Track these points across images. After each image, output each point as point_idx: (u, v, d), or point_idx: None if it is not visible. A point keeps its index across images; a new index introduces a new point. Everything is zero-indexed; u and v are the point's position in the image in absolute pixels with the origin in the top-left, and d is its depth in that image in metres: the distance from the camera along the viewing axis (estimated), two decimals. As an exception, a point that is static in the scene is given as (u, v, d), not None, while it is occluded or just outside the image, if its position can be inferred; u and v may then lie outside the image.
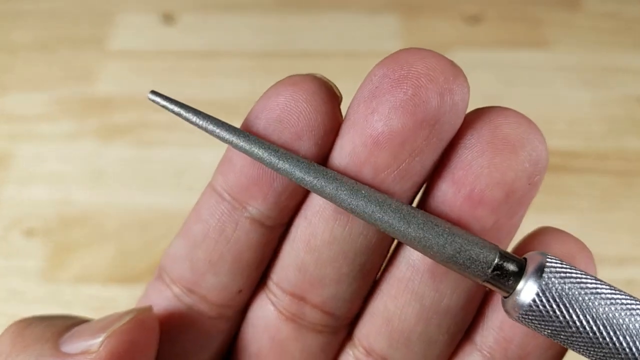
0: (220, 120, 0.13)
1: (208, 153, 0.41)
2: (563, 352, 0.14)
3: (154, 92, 0.13)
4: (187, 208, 0.41)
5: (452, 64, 0.12)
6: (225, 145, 0.13)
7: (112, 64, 0.47)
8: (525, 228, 0.41)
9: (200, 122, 0.13)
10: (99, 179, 0.40)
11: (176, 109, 0.13)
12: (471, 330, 0.15)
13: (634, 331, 0.10)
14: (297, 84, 0.12)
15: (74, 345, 0.13)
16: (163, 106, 0.13)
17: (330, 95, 0.13)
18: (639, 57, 0.48)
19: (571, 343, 0.11)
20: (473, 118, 0.13)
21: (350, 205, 0.11)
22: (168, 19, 0.50)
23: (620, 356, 0.10)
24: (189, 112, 0.13)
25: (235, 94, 0.45)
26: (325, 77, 0.13)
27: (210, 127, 0.12)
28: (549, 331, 0.10)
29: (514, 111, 0.13)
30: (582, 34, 0.50)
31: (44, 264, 0.35)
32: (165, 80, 0.46)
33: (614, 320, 0.10)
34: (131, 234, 0.37)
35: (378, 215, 0.11)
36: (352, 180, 0.12)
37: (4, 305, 0.34)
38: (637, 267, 0.36)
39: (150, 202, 0.38)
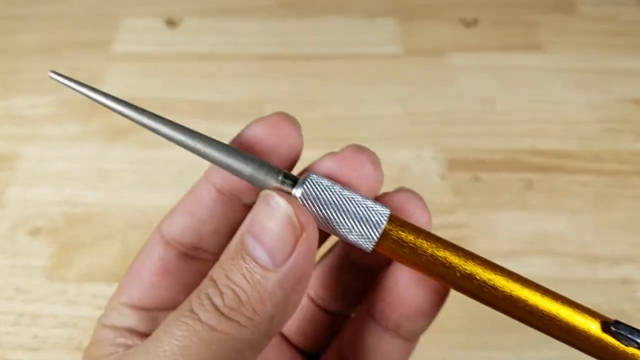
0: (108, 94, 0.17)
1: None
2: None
3: (54, 72, 0.16)
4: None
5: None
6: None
7: (116, 67, 0.47)
8: (523, 227, 0.41)
9: (97, 97, 0.17)
10: (104, 179, 0.40)
11: (77, 87, 0.17)
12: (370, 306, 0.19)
13: (359, 215, 0.15)
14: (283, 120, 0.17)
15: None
16: (65, 84, 0.16)
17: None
18: (633, 59, 0.48)
19: (332, 229, 0.16)
20: None
21: (187, 143, 0.17)
22: (171, 23, 0.51)
23: (353, 233, 0.15)
24: (87, 89, 0.17)
25: (236, 95, 0.45)
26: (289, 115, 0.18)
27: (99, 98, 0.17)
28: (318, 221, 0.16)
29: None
30: (577, 37, 0.50)
31: (49, 263, 0.36)
32: (169, 82, 0.46)
33: (349, 210, 0.15)
34: (135, 233, 0.37)
35: (205, 149, 0.16)
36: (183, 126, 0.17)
37: (10, 303, 0.34)
38: (632, 266, 0.36)
39: (154, 202, 0.39)
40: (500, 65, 0.48)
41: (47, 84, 0.46)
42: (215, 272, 0.14)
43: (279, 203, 0.14)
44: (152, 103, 0.45)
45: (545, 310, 0.15)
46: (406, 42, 0.50)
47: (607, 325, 0.15)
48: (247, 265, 0.14)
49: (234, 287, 0.14)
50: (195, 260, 0.18)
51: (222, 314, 0.14)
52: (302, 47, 0.49)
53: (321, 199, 0.15)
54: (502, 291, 0.15)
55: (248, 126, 0.17)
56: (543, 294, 0.15)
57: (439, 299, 0.17)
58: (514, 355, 0.33)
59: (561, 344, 0.33)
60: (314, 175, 0.16)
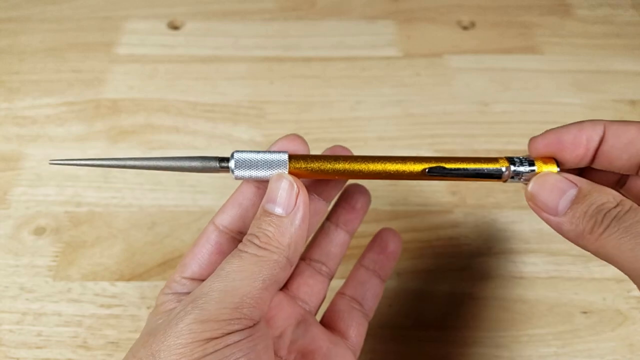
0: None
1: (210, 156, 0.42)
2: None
3: (52, 160, 0.23)
4: (191, 207, 0.43)
5: None
6: None
7: (119, 69, 0.48)
8: (518, 226, 0.42)
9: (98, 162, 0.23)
10: (107, 180, 0.41)
11: (78, 163, 0.22)
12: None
13: (270, 164, 0.23)
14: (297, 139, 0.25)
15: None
16: (65, 164, 0.23)
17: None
18: (629, 60, 0.49)
19: (261, 178, 0.23)
20: None
21: (141, 165, 0.23)
22: (174, 26, 0.52)
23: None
24: (87, 161, 0.23)
25: (237, 97, 0.46)
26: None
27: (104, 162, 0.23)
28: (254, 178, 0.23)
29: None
30: (573, 39, 0.51)
31: (53, 262, 0.36)
32: (171, 84, 0.47)
33: (264, 163, 0.23)
34: (138, 232, 0.38)
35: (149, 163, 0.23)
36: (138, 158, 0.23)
37: (15, 302, 0.35)
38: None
39: (156, 202, 0.39)
40: (497, 67, 0.48)
41: (51, 85, 0.47)
42: (250, 229, 0.22)
43: (285, 177, 0.23)
44: (154, 104, 0.45)
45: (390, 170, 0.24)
46: (405, 45, 0.50)
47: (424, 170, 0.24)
48: (270, 218, 0.22)
49: (264, 230, 0.22)
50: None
51: (259, 246, 0.21)
52: (302, 50, 0.50)
53: (246, 162, 0.23)
54: (363, 171, 0.24)
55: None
56: (387, 161, 0.24)
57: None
58: (509, 353, 0.33)
59: (557, 342, 0.34)
60: (237, 151, 0.23)
